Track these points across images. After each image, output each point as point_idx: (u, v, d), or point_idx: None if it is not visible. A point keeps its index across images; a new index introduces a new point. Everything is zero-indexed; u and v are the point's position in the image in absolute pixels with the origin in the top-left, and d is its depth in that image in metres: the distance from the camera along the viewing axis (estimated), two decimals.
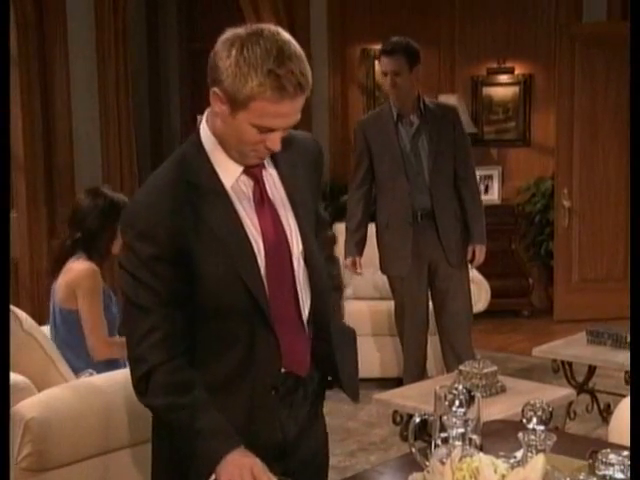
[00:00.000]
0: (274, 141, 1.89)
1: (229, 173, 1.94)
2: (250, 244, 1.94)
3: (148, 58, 8.41)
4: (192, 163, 1.93)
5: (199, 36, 8.20)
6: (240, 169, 1.95)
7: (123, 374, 3.34)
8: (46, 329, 3.60)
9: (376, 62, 7.12)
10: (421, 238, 4.61)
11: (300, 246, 2.02)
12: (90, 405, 3.08)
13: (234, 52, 1.80)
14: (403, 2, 7.36)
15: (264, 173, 2.00)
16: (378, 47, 7.42)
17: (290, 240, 2.01)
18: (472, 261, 4.75)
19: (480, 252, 4.74)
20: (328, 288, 2.14)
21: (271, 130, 1.87)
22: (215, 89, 1.85)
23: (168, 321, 1.90)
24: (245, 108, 1.82)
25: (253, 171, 1.97)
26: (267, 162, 2.00)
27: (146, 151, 8.19)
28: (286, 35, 1.87)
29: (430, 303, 4.84)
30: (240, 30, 1.85)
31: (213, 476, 1.87)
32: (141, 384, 1.93)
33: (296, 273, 2.02)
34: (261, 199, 1.97)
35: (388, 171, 4.63)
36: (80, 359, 3.49)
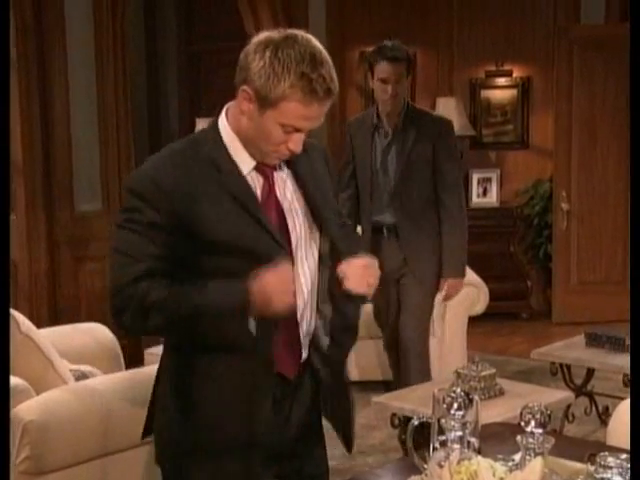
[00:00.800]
0: (296, 142, 1.98)
1: (245, 164, 2.00)
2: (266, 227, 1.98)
3: (146, 62, 8.42)
4: (210, 147, 1.99)
5: (197, 39, 8.22)
6: (253, 164, 2.00)
7: (122, 377, 3.34)
8: (44, 331, 3.60)
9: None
10: (385, 252, 4.23)
11: (303, 251, 2.05)
12: (89, 408, 3.07)
13: (268, 54, 1.89)
14: (401, 5, 7.37)
15: (275, 174, 2.04)
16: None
17: (294, 241, 2.04)
18: (445, 295, 4.41)
19: (451, 287, 4.38)
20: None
21: (297, 131, 1.96)
22: (245, 87, 1.93)
23: (159, 268, 1.95)
24: (275, 108, 1.91)
25: (264, 169, 2.02)
26: (281, 165, 2.06)
27: (144, 155, 8.14)
28: (318, 43, 1.96)
29: None
30: (274, 33, 1.95)
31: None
32: (138, 313, 1.94)
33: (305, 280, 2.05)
34: (269, 193, 2.02)
35: (361, 184, 4.40)
36: None
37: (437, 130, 4.26)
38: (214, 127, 2.01)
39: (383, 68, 4.17)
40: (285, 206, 2.05)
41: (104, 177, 5.53)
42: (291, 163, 2.08)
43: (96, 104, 5.48)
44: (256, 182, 2.02)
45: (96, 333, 3.90)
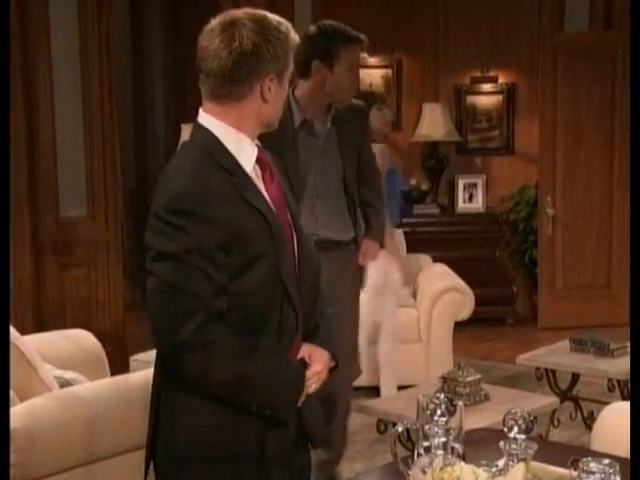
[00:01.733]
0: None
1: (247, 158, 2.03)
2: (282, 229, 2.03)
3: (132, 66, 8.40)
4: (216, 152, 2.00)
5: (184, 43, 8.19)
6: (255, 149, 2.05)
7: (106, 383, 3.33)
8: (29, 338, 3.59)
9: (361, 71, 7.11)
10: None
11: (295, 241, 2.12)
12: (74, 414, 3.06)
13: (267, 35, 2.00)
14: (387, 11, 7.38)
15: (267, 161, 2.11)
16: (362, 55, 7.42)
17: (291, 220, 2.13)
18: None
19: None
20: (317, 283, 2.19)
21: None
22: (269, 77, 2.01)
23: (220, 309, 1.94)
24: (287, 67, 2.07)
25: (261, 156, 2.07)
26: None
27: (130, 159, 8.19)
28: None
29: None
30: None
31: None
32: (203, 365, 1.93)
33: (296, 254, 2.11)
34: (271, 178, 2.08)
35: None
36: None
37: (360, 117, 3.69)
38: (205, 132, 2.02)
39: (354, 50, 3.48)
40: (285, 196, 2.13)
41: (89, 182, 5.49)
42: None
43: (81, 108, 5.44)
44: (257, 173, 2.07)
45: (81, 339, 3.89)
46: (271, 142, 2.98)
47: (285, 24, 2.03)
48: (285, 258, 2.03)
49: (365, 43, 3.51)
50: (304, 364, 2.07)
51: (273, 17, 2.02)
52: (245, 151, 2.03)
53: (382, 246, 3.84)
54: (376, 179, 3.81)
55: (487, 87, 7.45)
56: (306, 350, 2.11)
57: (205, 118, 2.03)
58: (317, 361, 2.10)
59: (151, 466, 2.13)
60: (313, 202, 3.50)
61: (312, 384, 2.09)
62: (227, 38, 1.96)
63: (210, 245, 1.90)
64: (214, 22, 2.01)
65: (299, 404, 2.07)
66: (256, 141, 2.09)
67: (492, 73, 7.41)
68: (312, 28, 3.43)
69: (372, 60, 7.31)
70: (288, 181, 2.48)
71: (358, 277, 3.80)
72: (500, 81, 7.44)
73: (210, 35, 1.99)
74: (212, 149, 2.00)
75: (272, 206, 2.04)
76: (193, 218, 1.90)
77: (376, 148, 4.17)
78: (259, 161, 2.07)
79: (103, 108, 5.47)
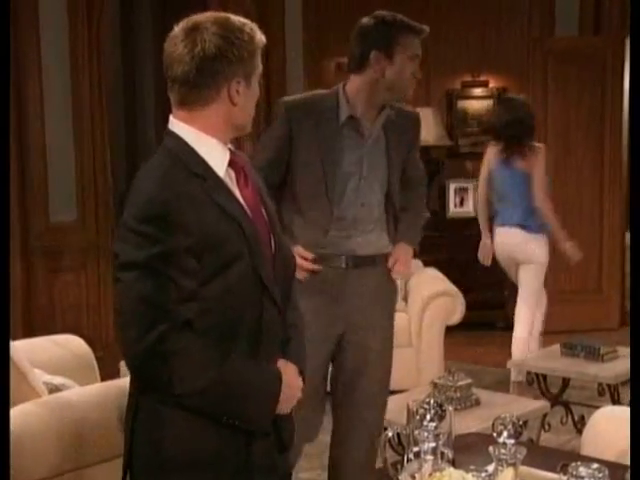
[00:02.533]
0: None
1: (219, 162, 2.02)
2: (257, 232, 2.01)
3: (123, 68, 8.38)
4: (187, 158, 1.99)
5: None
6: (228, 153, 2.03)
7: (96, 389, 3.32)
8: (18, 343, 3.57)
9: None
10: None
11: (273, 243, 2.10)
12: (63, 420, 3.03)
13: (228, 36, 1.98)
14: None
15: (242, 165, 2.09)
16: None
17: (268, 223, 2.11)
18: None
19: None
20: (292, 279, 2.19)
21: None
22: (236, 80, 1.99)
23: (187, 318, 1.90)
24: (255, 67, 2.05)
25: (235, 160, 2.05)
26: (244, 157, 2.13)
27: (121, 162, 8.16)
28: None
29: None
30: None
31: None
32: (170, 376, 1.89)
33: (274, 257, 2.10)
34: (245, 181, 2.06)
35: (311, 193, 3.13)
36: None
37: (415, 125, 3.42)
38: (176, 137, 2.02)
39: (414, 43, 3.16)
40: (262, 198, 2.12)
41: (79, 186, 5.47)
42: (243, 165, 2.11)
43: (71, 112, 5.42)
44: (231, 177, 2.05)
45: (71, 345, 3.86)
46: (313, 135, 3.04)
47: (249, 25, 2.01)
48: (263, 259, 2.01)
49: (426, 34, 3.22)
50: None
51: (236, 19, 2.00)
52: (217, 155, 2.02)
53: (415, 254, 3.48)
54: (423, 186, 3.58)
55: (478, 91, 7.47)
56: (280, 364, 2.06)
57: (175, 125, 2.03)
58: (290, 376, 2.07)
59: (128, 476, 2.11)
60: (353, 209, 3.13)
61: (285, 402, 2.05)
62: (190, 43, 1.94)
63: (178, 252, 1.88)
64: (177, 28, 1.99)
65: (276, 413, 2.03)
66: (229, 145, 2.08)
67: (483, 77, 7.43)
68: (366, 19, 3.14)
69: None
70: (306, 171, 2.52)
71: (394, 296, 3.38)
72: (491, 85, 7.46)
73: (174, 41, 1.98)
74: (182, 155, 1.99)
75: (246, 209, 2.02)
76: (161, 225, 1.87)
77: None
78: (233, 165, 2.05)
79: (93, 111, 5.45)
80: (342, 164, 3.09)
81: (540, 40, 6.97)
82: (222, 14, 2.02)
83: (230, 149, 2.07)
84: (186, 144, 2.00)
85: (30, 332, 4.84)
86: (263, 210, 2.11)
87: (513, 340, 5.36)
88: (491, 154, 5.36)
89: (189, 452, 1.97)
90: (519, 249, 5.29)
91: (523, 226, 5.21)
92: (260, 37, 2.02)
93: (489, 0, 7.37)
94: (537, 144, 5.27)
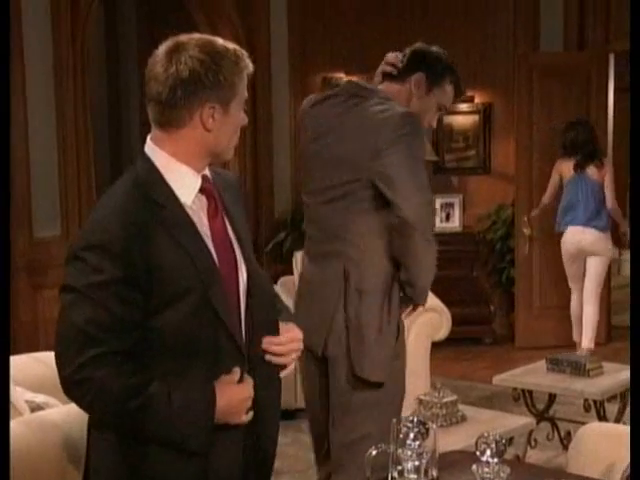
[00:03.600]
0: (245, 117, 2.05)
1: (188, 189, 1.97)
2: (215, 264, 1.96)
3: (108, 80, 8.36)
4: (150, 185, 1.95)
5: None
6: (199, 180, 1.98)
7: (78, 407, 3.28)
8: None
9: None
10: None
11: (244, 274, 2.05)
12: (45, 439, 2.99)
13: (207, 61, 1.94)
14: (363, 31, 7.40)
15: (214, 193, 2.04)
16: (339, 75, 7.50)
17: (238, 261, 2.05)
18: None
19: None
20: (274, 320, 2.14)
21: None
22: (209, 105, 1.94)
23: (116, 348, 1.88)
24: (235, 94, 1.98)
25: (207, 187, 2.01)
26: (215, 189, 2.05)
27: (106, 176, 8.13)
28: None
29: None
30: None
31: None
32: (94, 403, 1.89)
33: (241, 296, 2.04)
34: (215, 211, 2.01)
35: None
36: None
37: None
38: (147, 161, 1.99)
39: (451, 96, 3.12)
40: (229, 226, 2.07)
41: (63, 202, 5.44)
42: (217, 189, 2.07)
43: (55, 127, 5.39)
44: (202, 206, 2.01)
45: (53, 362, 3.78)
46: None
47: (236, 51, 1.96)
48: (220, 293, 1.95)
49: (460, 98, 3.27)
50: (213, 392, 1.95)
51: (222, 43, 1.96)
52: (185, 183, 1.97)
53: None
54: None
55: (463, 107, 7.48)
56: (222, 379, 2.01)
57: (149, 146, 2.00)
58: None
59: None
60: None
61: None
62: (167, 63, 1.92)
63: (117, 281, 1.84)
64: (161, 47, 1.97)
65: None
66: (207, 170, 2.04)
67: (468, 93, 7.43)
68: (434, 48, 3.17)
69: (346, 79, 7.31)
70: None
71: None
72: (476, 101, 7.48)
73: (155, 59, 1.96)
74: (146, 180, 1.95)
75: (207, 241, 1.97)
76: (102, 253, 1.84)
77: None
78: (205, 192, 2.01)
79: (77, 126, 5.41)
80: None
81: (525, 55, 7.00)
82: (208, 37, 1.98)
83: (205, 175, 2.02)
84: (154, 169, 1.96)
85: (13, 349, 4.76)
86: (234, 240, 2.05)
87: (585, 323, 6.28)
88: (565, 167, 6.32)
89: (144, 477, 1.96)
90: (589, 243, 6.21)
91: (594, 225, 6.19)
92: (246, 64, 1.98)
93: (474, 16, 7.40)
94: (604, 158, 6.31)
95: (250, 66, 1.99)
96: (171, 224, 1.92)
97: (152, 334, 1.90)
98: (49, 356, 3.79)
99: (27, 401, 3.23)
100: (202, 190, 2.00)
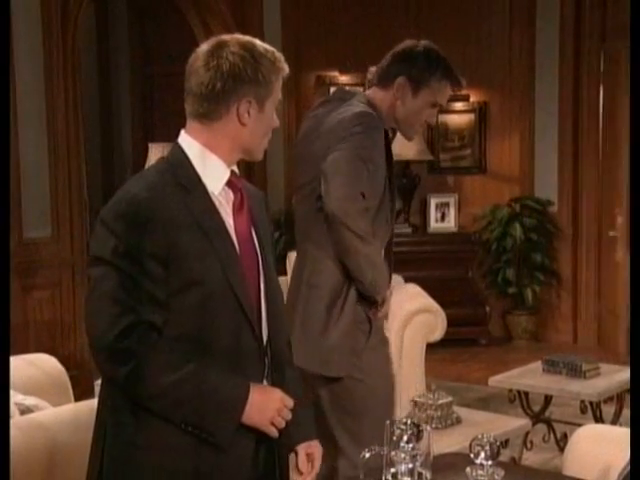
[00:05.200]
0: (276, 119, 2.10)
1: (216, 180, 2.02)
2: (237, 254, 2.00)
3: (99, 83, 8.34)
4: (179, 169, 2.01)
5: (152, 60, 8.14)
6: (228, 173, 2.03)
7: (68, 410, 3.25)
8: None
9: (332, 89, 7.12)
10: None
11: (263, 277, 2.08)
12: (34, 442, 2.96)
13: (247, 57, 2.01)
14: (357, 29, 7.37)
15: (242, 189, 2.08)
16: (333, 74, 7.48)
17: (259, 255, 2.08)
18: None
19: None
20: (284, 325, 2.16)
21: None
22: (246, 99, 2.00)
23: (150, 319, 1.90)
24: (271, 94, 2.04)
25: (234, 182, 2.05)
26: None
27: (97, 178, 8.10)
28: None
29: None
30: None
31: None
32: (132, 375, 1.89)
33: (262, 296, 2.06)
34: (240, 205, 2.05)
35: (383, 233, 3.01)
36: None
37: None
38: (178, 150, 2.04)
39: (445, 91, 3.03)
40: (256, 228, 2.10)
41: (54, 202, 5.41)
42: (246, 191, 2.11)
43: (46, 126, 5.37)
44: (228, 197, 2.05)
45: (44, 364, 3.81)
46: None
47: (273, 53, 2.04)
48: (240, 279, 1.98)
49: (461, 88, 3.13)
50: (247, 388, 1.96)
51: (261, 44, 2.05)
52: (213, 173, 2.02)
53: None
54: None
55: (459, 105, 7.45)
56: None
57: (183, 137, 2.06)
58: (264, 392, 2.01)
59: None
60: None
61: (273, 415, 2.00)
62: (209, 57, 1.99)
63: (141, 253, 1.89)
64: (203, 45, 2.05)
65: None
66: (234, 167, 2.07)
67: (464, 91, 7.39)
68: (417, 45, 3.10)
69: (343, 78, 7.30)
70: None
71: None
72: (472, 100, 7.45)
73: (197, 55, 2.03)
74: (177, 165, 2.02)
75: (229, 229, 2.01)
76: (129, 223, 1.90)
77: None
78: (232, 186, 2.05)
79: (68, 126, 5.40)
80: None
81: (520, 54, 6.97)
82: (249, 37, 2.06)
83: (234, 171, 2.07)
84: (185, 157, 2.02)
85: None
86: (256, 240, 2.08)
87: None
88: None
89: (164, 470, 1.95)
90: None
91: None
92: (282, 66, 2.05)
93: (469, 14, 7.37)
94: None
95: (286, 69, 2.06)
96: (196, 208, 1.96)
97: (175, 315, 1.92)
98: (39, 358, 3.82)
99: (17, 403, 3.21)
100: (229, 184, 2.04)
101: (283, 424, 2.00)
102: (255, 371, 2.02)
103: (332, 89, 6.99)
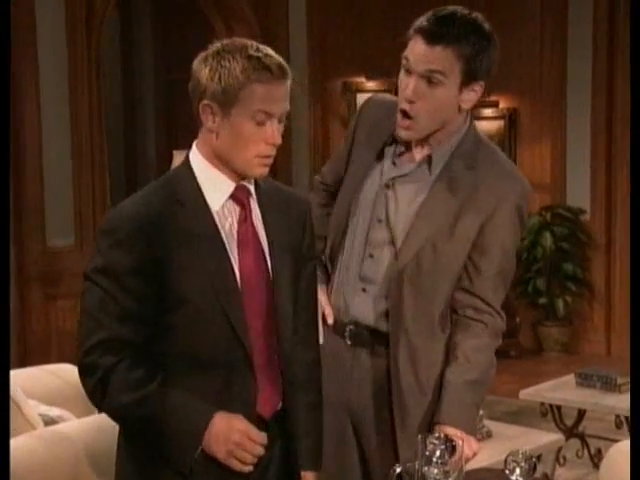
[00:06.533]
0: (273, 134, 1.92)
1: (218, 193, 1.95)
2: (232, 270, 1.92)
3: (123, 89, 8.37)
4: (179, 183, 1.96)
5: (175, 67, 8.14)
6: (232, 187, 1.95)
7: (91, 421, 3.21)
8: (12, 373, 3.45)
9: (358, 95, 7.07)
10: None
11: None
12: (58, 454, 2.94)
13: (210, 59, 1.90)
14: (384, 35, 7.31)
15: (251, 202, 2.00)
16: (359, 80, 7.44)
17: (270, 269, 2.01)
18: None
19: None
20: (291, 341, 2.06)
21: (267, 116, 1.89)
22: (204, 102, 1.91)
23: (123, 336, 1.89)
24: (237, 101, 1.87)
25: (239, 197, 1.97)
26: (253, 198, 2.01)
27: (120, 186, 8.10)
28: None
29: None
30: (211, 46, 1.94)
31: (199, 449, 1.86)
32: (97, 390, 1.91)
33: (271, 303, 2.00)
34: (245, 220, 1.97)
35: (336, 223, 2.48)
36: None
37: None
38: (186, 162, 1.99)
39: (413, 46, 2.45)
40: (261, 238, 2.01)
41: (77, 211, 5.43)
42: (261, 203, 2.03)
43: (70, 134, 5.40)
44: (232, 212, 1.98)
45: (66, 374, 3.79)
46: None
47: (259, 60, 1.87)
48: (233, 297, 1.91)
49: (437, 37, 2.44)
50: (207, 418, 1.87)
51: (254, 52, 1.89)
52: (214, 186, 1.95)
53: None
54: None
55: (488, 112, 7.39)
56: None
57: (193, 147, 2.01)
58: (228, 423, 1.90)
59: None
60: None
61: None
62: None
63: (120, 269, 1.86)
64: None
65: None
66: (249, 183, 1.98)
67: (493, 98, 7.35)
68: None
69: (370, 84, 7.28)
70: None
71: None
72: (501, 106, 7.40)
73: None
74: (177, 179, 1.98)
75: (226, 243, 1.93)
76: (109, 239, 1.88)
77: None
78: (237, 200, 1.97)
79: (92, 133, 5.42)
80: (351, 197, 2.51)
81: (552, 59, 6.91)
82: (247, 41, 1.95)
83: (243, 185, 1.97)
84: (188, 168, 1.96)
85: (25, 360, 4.78)
86: (265, 253, 1.99)
87: None
88: None
89: None
90: None
91: None
92: (260, 77, 1.87)
93: (499, 20, 7.28)
94: None
95: (273, 83, 1.89)
96: (188, 224, 1.91)
97: (162, 333, 1.91)
98: (63, 368, 3.79)
99: (41, 414, 3.21)
100: (234, 198, 1.97)
101: (249, 459, 1.87)
102: (245, 392, 1.94)
103: (358, 95, 6.96)
